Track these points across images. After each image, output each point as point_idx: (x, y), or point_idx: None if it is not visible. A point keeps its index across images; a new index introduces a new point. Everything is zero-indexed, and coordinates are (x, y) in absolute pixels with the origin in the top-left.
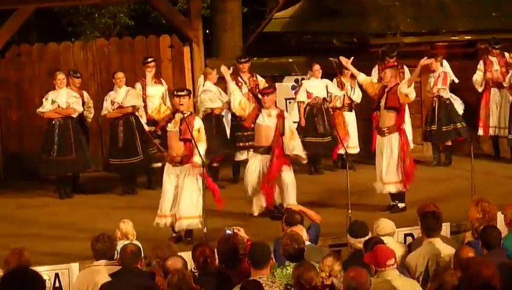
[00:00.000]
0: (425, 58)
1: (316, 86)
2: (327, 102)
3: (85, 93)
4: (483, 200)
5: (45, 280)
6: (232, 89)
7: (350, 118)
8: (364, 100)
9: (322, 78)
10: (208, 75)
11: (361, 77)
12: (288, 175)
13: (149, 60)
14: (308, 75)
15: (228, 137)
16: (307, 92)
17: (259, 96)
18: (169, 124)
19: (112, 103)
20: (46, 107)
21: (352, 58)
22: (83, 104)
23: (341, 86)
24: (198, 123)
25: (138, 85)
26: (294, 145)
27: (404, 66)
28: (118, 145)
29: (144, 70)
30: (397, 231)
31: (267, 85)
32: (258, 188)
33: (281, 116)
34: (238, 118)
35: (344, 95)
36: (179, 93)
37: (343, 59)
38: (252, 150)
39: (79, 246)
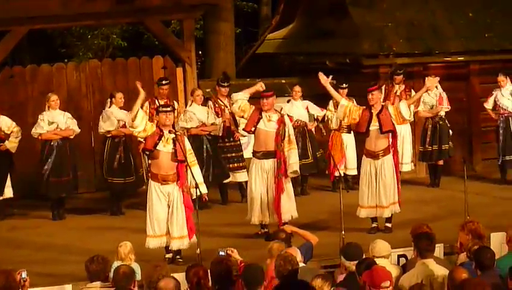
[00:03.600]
0: (433, 76)
1: (296, 109)
2: (316, 122)
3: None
4: (467, 221)
5: None
6: (238, 97)
7: (348, 139)
8: None
9: (317, 97)
10: (193, 95)
11: (344, 100)
12: (289, 187)
13: (164, 82)
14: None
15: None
16: (287, 115)
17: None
18: (159, 143)
19: (118, 120)
20: (45, 128)
21: (331, 76)
22: None
23: (337, 106)
24: (188, 144)
25: (146, 103)
26: (291, 158)
27: (412, 90)
28: (118, 164)
29: (157, 90)
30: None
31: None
32: (266, 201)
33: (281, 122)
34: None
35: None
36: (165, 109)
37: (321, 76)
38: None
39: (72, 267)
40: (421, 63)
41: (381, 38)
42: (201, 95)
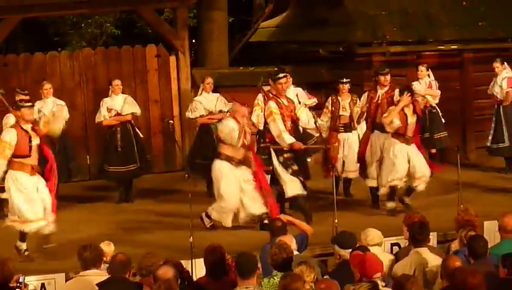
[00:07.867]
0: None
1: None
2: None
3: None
4: (459, 210)
5: None
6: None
7: (351, 139)
8: None
9: (309, 85)
10: (203, 83)
11: (397, 120)
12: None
13: (280, 75)
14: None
15: None
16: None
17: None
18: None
19: (109, 110)
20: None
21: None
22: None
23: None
24: None
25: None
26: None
27: (396, 90)
28: (116, 153)
29: (275, 86)
30: (384, 240)
31: None
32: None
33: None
34: None
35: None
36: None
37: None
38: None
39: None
40: (415, 51)
41: (375, 27)
42: (211, 83)
